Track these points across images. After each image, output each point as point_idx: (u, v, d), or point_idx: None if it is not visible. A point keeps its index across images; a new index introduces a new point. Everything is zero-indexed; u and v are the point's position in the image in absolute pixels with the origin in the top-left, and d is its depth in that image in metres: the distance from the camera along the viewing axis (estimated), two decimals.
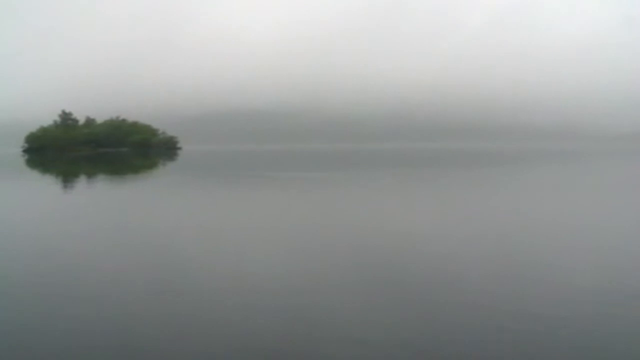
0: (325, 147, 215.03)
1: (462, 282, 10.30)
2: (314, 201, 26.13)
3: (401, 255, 12.86)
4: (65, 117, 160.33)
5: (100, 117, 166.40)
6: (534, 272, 10.98)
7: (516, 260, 12.11)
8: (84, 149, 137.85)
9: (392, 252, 13.11)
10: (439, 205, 24.12)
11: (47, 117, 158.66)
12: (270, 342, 7.30)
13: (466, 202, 24.63)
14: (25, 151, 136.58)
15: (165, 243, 14.69)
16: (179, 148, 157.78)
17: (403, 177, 44.21)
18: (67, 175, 49.06)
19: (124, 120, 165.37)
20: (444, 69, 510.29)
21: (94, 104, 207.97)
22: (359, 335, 7.54)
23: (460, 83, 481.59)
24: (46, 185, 37.72)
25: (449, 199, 26.66)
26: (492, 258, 12.36)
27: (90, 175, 49.01)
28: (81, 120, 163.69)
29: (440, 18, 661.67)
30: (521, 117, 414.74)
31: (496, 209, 21.97)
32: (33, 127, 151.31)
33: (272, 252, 13.38)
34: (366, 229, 16.72)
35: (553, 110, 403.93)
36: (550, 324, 7.88)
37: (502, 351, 7.03)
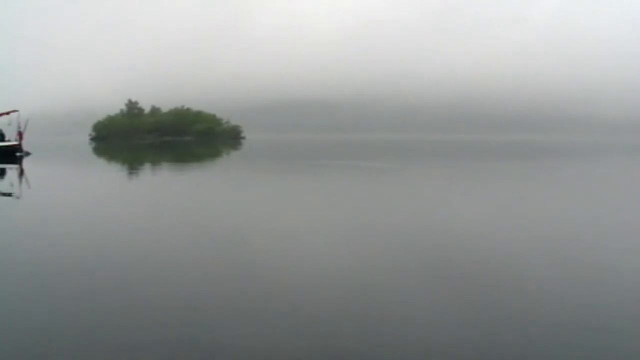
0: (391, 137, 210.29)
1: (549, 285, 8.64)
2: (388, 193, 23.25)
3: (474, 251, 11.15)
4: (132, 106, 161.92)
5: (166, 106, 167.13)
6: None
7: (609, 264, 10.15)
8: (149, 137, 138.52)
9: (464, 249, 11.42)
10: (523, 200, 20.60)
11: (114, 106, 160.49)
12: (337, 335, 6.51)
13: (545, 198, 21.45)
14: (93, 139, 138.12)
15: (237, 229, 13.68)
16: (243, 137, 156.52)
17: (479, 169, 40.50)
18: (133, 163, 48.00)
19: (188, 110, 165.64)
20: (508, 60, 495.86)
21: (159, 93, 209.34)
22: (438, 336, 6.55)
23: (524, 73, 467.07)
24: (112, 173, 36.21)
25: (529, 194, 23.28)
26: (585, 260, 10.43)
27: (158, 162, 47.45)
28: (147, 109, 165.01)
29: (507, 7, 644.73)
30: (586, 109, 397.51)
31: (578, 205, 19.04)
32: (100, 116, 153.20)
33: (339, 242, 12.13)
34: (440, 222, 14.80)
35: (621, 103, 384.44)
36: None
37: None
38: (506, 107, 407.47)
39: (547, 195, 22.25)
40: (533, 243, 11.93)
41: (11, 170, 34.21)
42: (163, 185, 26.88)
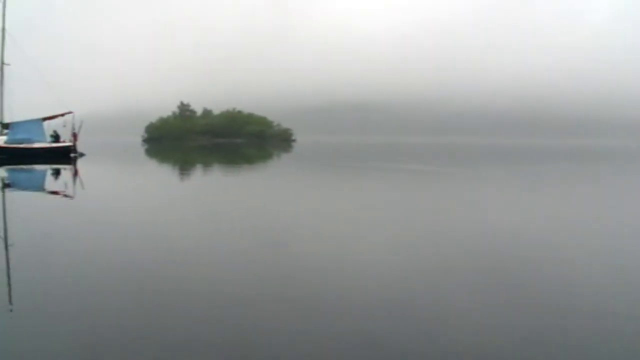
0: (439, 140, 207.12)
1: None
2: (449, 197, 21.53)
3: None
4: (184, 108, 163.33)
5: (217, 109, 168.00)
6: None
7: None
8: (200, 139, 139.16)
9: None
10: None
11: (166, 107, 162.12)
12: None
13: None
14: (145, 141, 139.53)
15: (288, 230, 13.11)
16: (294, 140, 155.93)
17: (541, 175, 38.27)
18: (185, 164, 47.82)
19: (240, 112, 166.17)
20: (563, 64, 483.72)
21: (211, 95, 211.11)
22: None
23: (579, 78, 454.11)
24: (166, 174, 35.89)
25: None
26: None
27: (210, 164, 46.83)
28: (199, 111, 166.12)
29: (562, 11, 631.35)
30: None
31: None
32: (152, 118, 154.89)
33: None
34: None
35: None
36: None
37: None
38: (565, 111, 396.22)
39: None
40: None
41: (65, 170, 33.99)
42: (221, 186, 25.78)
